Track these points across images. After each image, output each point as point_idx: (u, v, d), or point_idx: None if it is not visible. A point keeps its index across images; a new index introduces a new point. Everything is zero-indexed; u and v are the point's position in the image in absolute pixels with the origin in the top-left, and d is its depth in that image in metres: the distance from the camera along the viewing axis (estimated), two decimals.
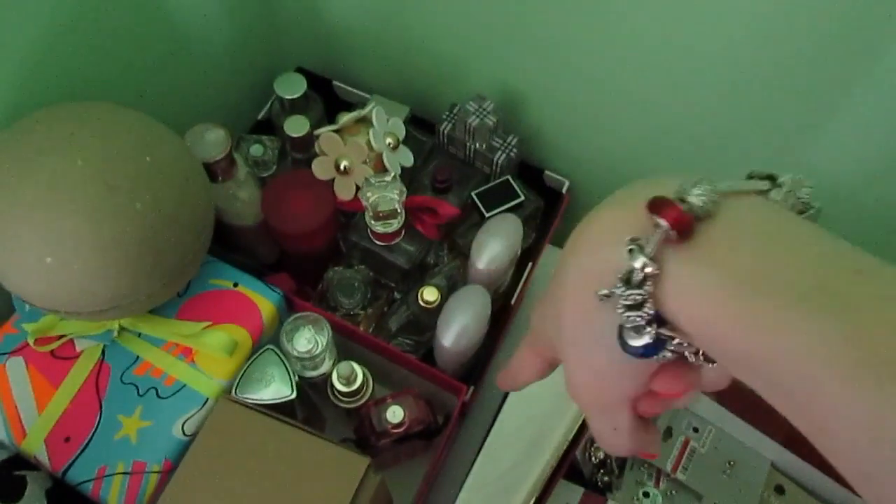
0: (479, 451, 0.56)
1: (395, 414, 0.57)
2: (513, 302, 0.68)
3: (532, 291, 0.73)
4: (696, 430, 0.55)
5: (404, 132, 0.68)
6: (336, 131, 0.66)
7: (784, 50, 0.53)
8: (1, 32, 0.50)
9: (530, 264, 0.70)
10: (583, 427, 0.48)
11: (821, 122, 0.58)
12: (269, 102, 0.73)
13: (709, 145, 0.66)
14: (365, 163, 0.64)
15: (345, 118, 0.66)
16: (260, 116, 0.74)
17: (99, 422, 0.54)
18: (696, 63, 0.59)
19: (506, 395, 0.59)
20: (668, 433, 0.54)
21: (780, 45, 0.53)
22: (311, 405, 0.64)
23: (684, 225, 0.23)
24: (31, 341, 0.55)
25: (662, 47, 0.59)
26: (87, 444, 0.53)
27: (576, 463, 0.51)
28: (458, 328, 0.56)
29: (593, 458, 0.51)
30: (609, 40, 0.61)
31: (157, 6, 0.63)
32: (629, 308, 0.23)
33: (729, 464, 0.53)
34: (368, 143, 0.65)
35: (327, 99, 0.75)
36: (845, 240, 0.22)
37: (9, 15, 0.50)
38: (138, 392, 0.55)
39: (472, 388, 0.62)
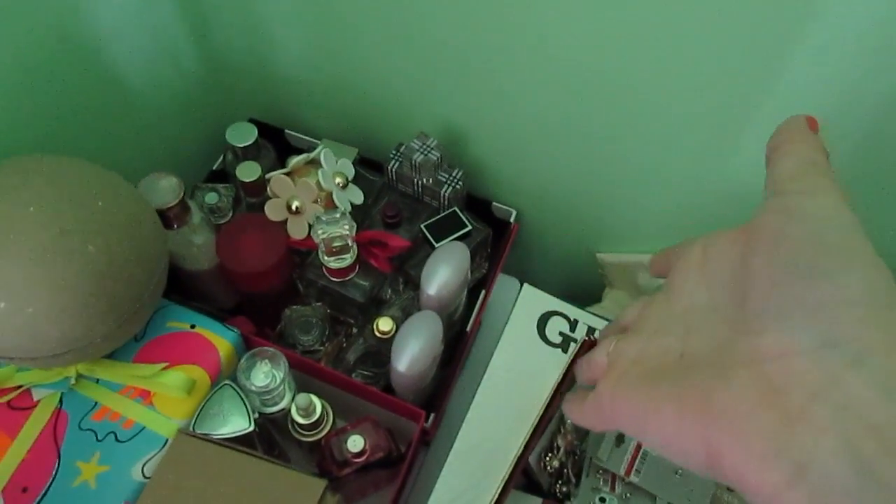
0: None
1: (355, 443, 0.58)
2: (468, 329, 0.70)
3: (487, 318, 0.75)
4: None
5: (353, 172, 0.71)
6: (287, 174, 0.68)
7: (695, 72, 0.57)
8: None
9: (483, 292, 0.72)
10: (534, 434, 0.49)
11: (734, 136, 0.62)
12: (223, 153, 0.76)
13: (646, 167, 0.70)
14: (316, 202, 0.67)
15: (294, 161, 0.69)
16: (214, 167, 0.77)
17: (57, 470, 0.54)
18: (627, 92, 0.62)
19: None
20: (621, 439, 0.56)
21: (693, 67, 0.57)
22: (272, 443, 0.64)
23: None
24: None
25: (593, 77, 0.62)
26: (46, 493, 0.53)
27: (532, 474, 0.52)
28: (412, 352, 0.58)
29: (548, 468, 0.52)
30: (545, 73, 0.64)
31: (106, 63, 0.66)
32: None
33: None
34: (318, 183, 0.67)
35: (279, 147, 0.78)
36: None
37: None
38: (97, 437, 0.55)
39: (431, 416, 0.63)
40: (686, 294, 0.32)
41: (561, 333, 0.63)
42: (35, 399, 0.57)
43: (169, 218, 0.63)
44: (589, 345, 0.54)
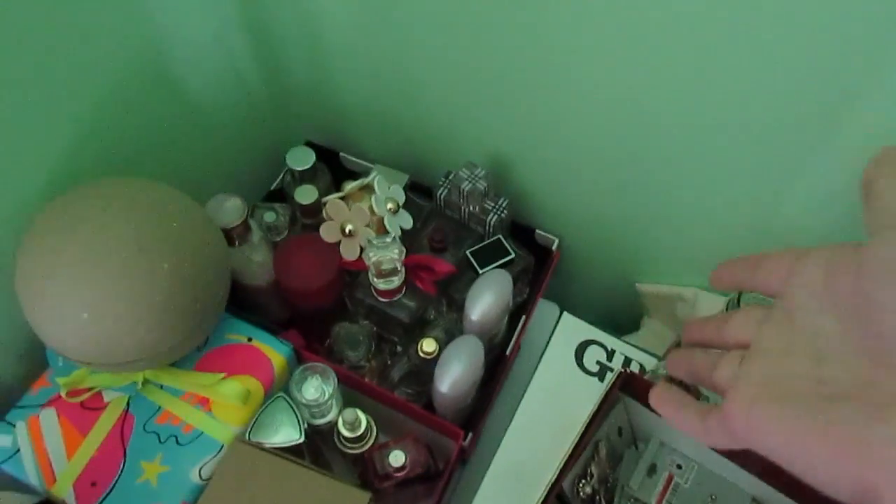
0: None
1: (397, 457, 0.61)
2: (508, 352, 0.73)
3: (527, 342, 0.78)
4: (679, 466, 0.58)
5: (404, 197, 0.74)
6: (342, 198, 0.72)
7: (750, 115, 0.58)
8: (53, 123, 0.59)
9: (524, 317, 0.75)
10: (569, 460, 0.52)
11: (786, 183, 0.63)
12: (282, 174, 0.81)
13: (691, 201, 0.71)
14: (368, 226, 0.70)
15: (349, 186, 0.72)
16: (273, 187, 0.81)
17: (123, 467, 0.58)
18: (677, 128, 0.63)
19: None
20: (653, 469, 0.58)
21: (749, 109, 0.57)
22: (318, 453, 0.67)
23: None
24: (63, 393, 0.60)
25: (642, 112, 0.63)
26: (112, 489, 0.57)
27: (566, 500, 0.54)
28: (454, 375, 0.61)
29: (581, 494, 0.54)
30: (591, 107, 0.66)
31: (181, 94, 0.71)
32: None
33: (711, 497, 0.56)
34: (371, 208, 0.71)
35: (334, 169, 0.82)
36: None
37: (58, 111, 0.58)
38: (159, 440, 0.60)
39: (470, 435, 0.66)
40: (811, 317, 0.31)
41: (598, 363, 0.65)
42: (105, 401, 0.61)
43: (232, 236, 0.67)
44: (626, 377, 0.56)
